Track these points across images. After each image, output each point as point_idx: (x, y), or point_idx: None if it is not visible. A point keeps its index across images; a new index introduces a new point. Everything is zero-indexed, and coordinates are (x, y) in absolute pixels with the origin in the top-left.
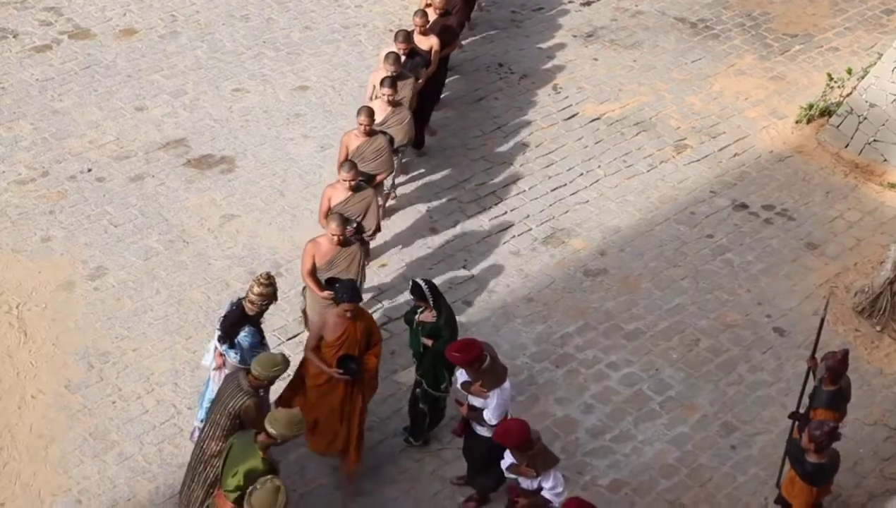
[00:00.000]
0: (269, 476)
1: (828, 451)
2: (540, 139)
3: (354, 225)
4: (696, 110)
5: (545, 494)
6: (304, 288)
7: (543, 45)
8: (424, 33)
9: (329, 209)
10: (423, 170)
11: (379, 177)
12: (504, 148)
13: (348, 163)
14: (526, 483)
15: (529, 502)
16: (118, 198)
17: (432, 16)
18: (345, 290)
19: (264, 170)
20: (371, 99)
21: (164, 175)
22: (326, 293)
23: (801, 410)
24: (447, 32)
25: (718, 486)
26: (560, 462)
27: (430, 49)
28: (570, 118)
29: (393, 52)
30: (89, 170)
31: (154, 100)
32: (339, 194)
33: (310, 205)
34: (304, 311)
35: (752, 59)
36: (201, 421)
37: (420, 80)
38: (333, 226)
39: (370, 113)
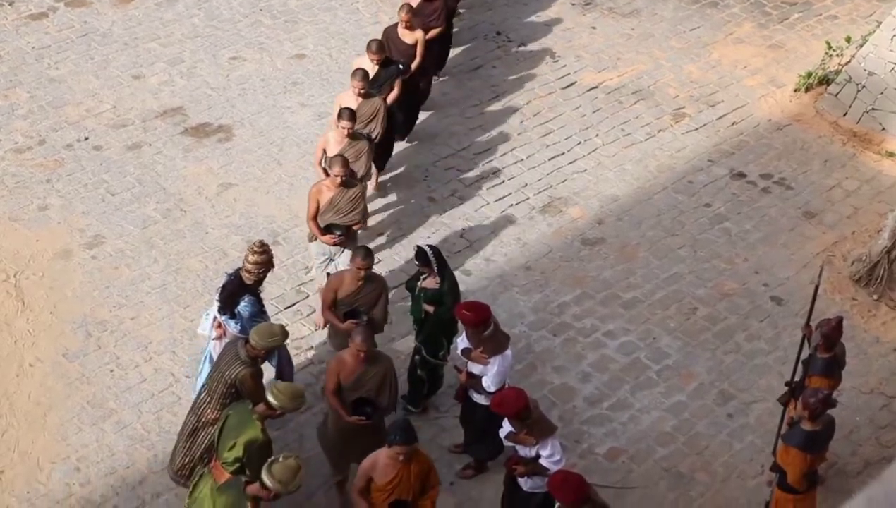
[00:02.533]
0: (292, 454)
1: (822, 419)
2: (538, 108)
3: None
4: (694, 79)
5: (543, 462)
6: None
7: (541, 14)
8: (409, 28)
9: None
10: (420, 139)
11: (355, 227)
12: (502, 117)
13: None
14: (524, 451)
15: (527, 470)
16: (115, 167)
17: (415, 2)
18: (397, 431)
19: (261, 139)
20: (320, 164)
21: (161, 143)
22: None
23: (797, 378)
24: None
25: (715, 454)
26: (557, 431)
27: (415, 42)
28: (568, 87)
29: (361, 69)
30: (86, 139)
31: (151, 69)
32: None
33: (307, 173)
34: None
35: (750, 28)
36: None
37: (395, 91)
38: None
39: (344, 162)
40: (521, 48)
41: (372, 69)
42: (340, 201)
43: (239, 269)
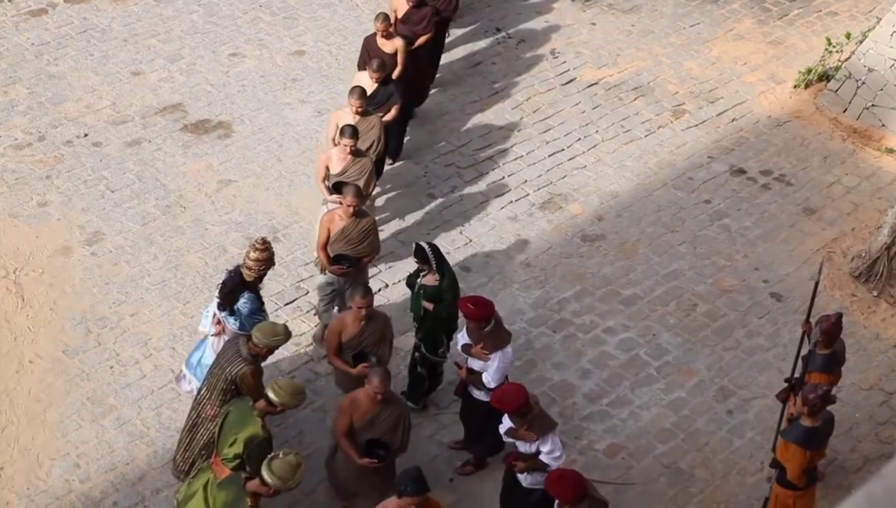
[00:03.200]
0: (292, 451)
1: (822, 415)
2: (537, 104)
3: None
4: (694, 75)
5: (543, 458)
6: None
7: (541, 10)
8: (387, 36)
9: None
10: (420, 135)
11: (366, 260)
12: (501, 113)
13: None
14: (524, 447)
15: (527, 466)
16: (115, 163)
17: (403, 8)
18: (408, 482)
19: (261, 136)
20: (334, 142)
21: (160, 140)
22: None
23: (796, 374)
24: (426, 22)
25: (715, 450)
26: (557, 427)
27: (395, 51)
28: (567, 83)
29: (359, 87)
30: (86, 135)
31: (150, 65)
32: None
33: (307, 169)
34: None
35: (750, 24)
36: (189, 371)
37: (393, 112)
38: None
39: (358, 192)
40: (521, 44)
41: (371, 87)
42: (352, 232)
43: (239, 266)
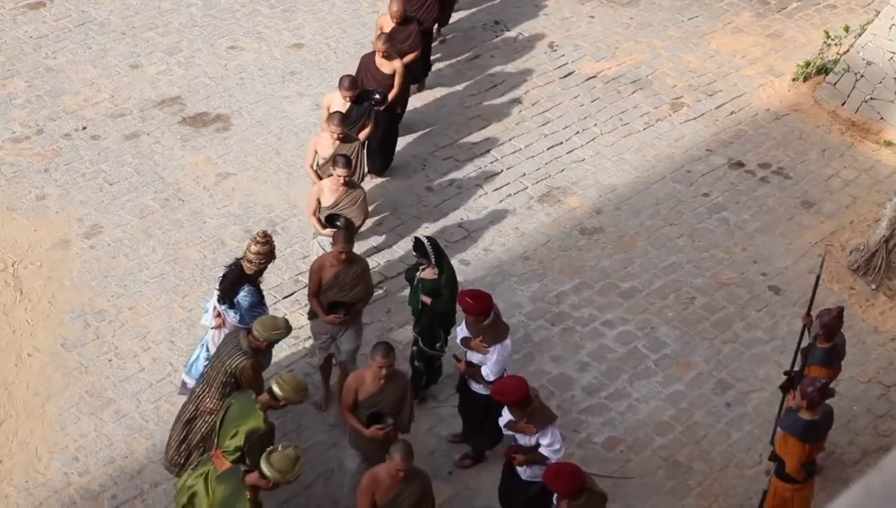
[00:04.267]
0: (291, 443)
1: (820, 408)
2: (536, 97)
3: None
4: (692, 68)
5: (543, 451)
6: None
7: (539, 3)
8: (388, 57)
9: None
10: (419, 129)
11: (358, 306)
12: (500, 106)
13: (337, 115)
14: (523, 440)
15: (527, 458)
16: (113, 156)
17: (389, 26)
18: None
19: (259, 129)
20: (311, 167)
21: (159, 133)
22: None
23: (796, 368)
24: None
25: (713, 443)
26: (557, 420)
27: (394, 72)
28: (566, 76)
29: (338, 113)
30: (84, 128)
31: (149, 58)
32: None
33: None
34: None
35: (749, 17)
36: (192, 378)
37: (368, 128)
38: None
39: (348, 238)
40: (520, 38)
41: (344, 106)
42: (345, 276)
43: (239, 259)
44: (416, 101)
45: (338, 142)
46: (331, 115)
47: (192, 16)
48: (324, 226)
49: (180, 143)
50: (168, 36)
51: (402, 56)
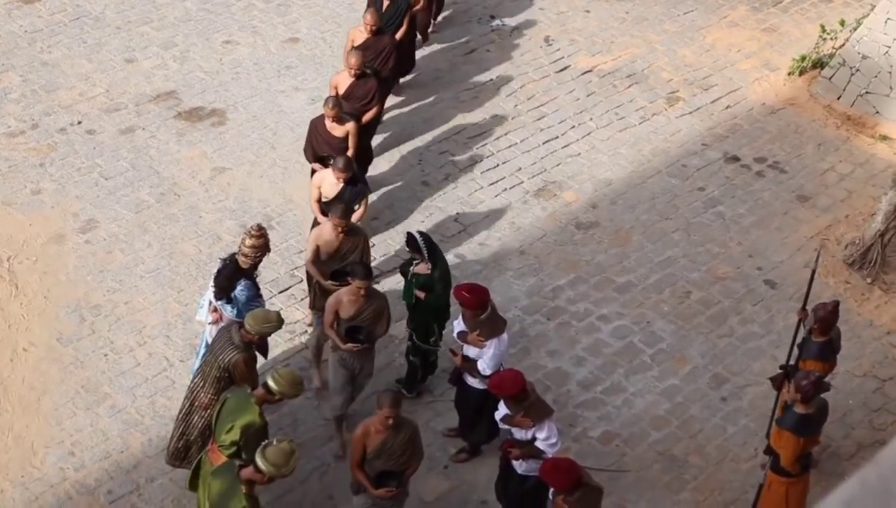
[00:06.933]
0: (286, 438)
1: (816, 402)
2: (531, 92)
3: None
4: (688, 62)
5: (539, 445)
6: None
7: None
8: (338, 121)
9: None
10: (414, 123)
11: (407, 474)
12: (496, 100)
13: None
14: (520, 434)
15: (523, 452)
16: (109, 151)
17: (346, 84)
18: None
19: (255, 123)
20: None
21: (154, 127)
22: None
23: (791, 362)
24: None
25: (709, 437)
26: (554, 414)
27: (346, 134)
28: (561, 70)
29: (341, 206)
30: (79, 123)
31: (144, 53)
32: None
33: (301, 158)
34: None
35: (744, 11)
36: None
37: (361, 210)
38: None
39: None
40: (515, 32)
41: (336, 186)
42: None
43: (234, 254)
44: (410, 96)
45: (342, 236)
46: (335, 207)
47: (187, 10)
48: (344, 342)
49: (176, 138)
50: (163, 30)
51: (360, 115)
